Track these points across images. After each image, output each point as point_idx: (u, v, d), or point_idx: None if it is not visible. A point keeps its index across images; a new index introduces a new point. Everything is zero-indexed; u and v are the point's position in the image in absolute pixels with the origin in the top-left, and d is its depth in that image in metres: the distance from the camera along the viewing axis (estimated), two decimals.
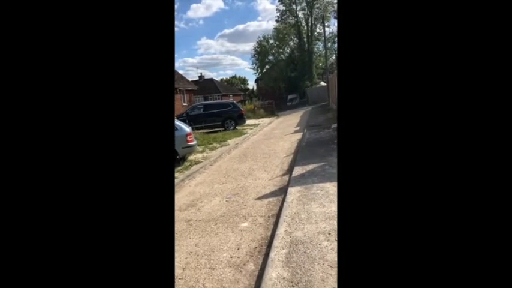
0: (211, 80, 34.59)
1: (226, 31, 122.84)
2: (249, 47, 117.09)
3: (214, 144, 8.38)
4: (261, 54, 31.49)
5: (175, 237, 2.97)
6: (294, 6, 28.50)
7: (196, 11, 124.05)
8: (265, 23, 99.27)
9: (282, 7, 28.98)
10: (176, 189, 4.68)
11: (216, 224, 3.20)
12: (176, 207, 3.85)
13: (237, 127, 12.02)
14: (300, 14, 28.77)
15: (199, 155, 7.05)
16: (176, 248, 2.75)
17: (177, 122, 6.45)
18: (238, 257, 2.47)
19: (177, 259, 2.55)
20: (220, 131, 11.40)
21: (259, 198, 3.83)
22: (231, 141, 8.82)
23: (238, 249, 2.61)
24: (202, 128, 11.33)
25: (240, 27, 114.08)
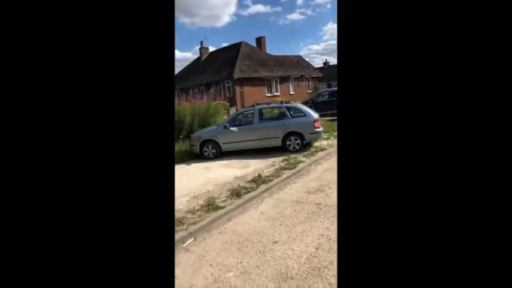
0: (335, 66, 33.30)
1: None
2: None
3: None
4: None
5: (306, 217, 3.09)
6: None
7: None
8: None
9: None
10: (304, 172, 4.84)
11: None
12: (305, 190, 3.99)
13: None
14: None
15: (324, 142, 6.99)
16: (307, 227, 2.86)
17: (305, 108, 6.57)
18: None
19: (309, 238, 2.65)
20: None
21: None
22: None
23: None
24: (326, 115, 11.15)
25: None
